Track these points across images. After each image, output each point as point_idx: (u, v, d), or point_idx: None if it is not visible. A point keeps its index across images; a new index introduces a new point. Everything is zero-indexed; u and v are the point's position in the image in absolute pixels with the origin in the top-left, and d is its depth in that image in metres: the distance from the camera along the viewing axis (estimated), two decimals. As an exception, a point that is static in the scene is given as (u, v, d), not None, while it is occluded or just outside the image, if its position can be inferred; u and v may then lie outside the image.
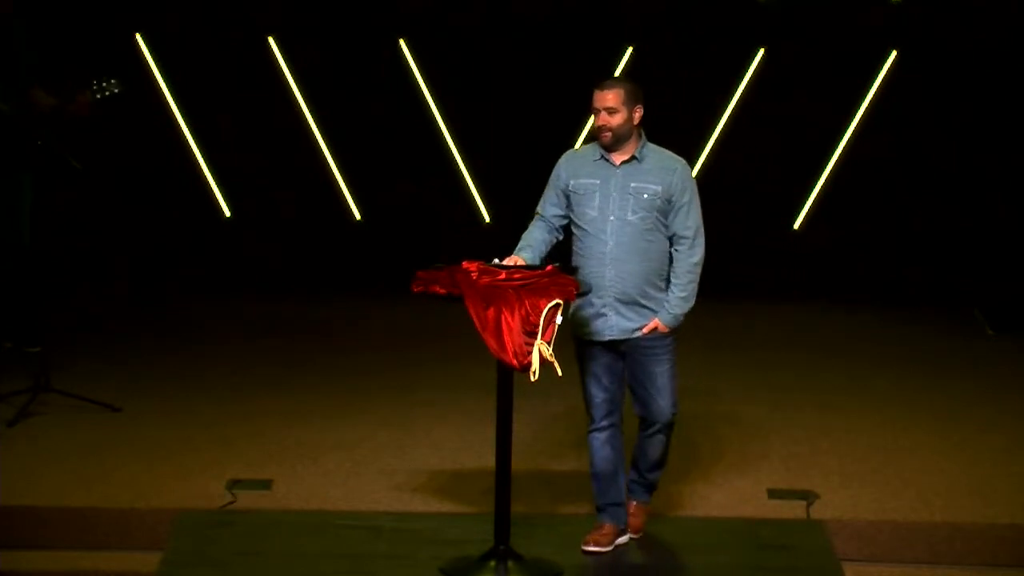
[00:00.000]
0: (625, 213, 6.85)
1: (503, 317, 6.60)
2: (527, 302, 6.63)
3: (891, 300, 11.84)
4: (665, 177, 6.88)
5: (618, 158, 6.91)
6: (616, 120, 6.87)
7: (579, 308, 6.93)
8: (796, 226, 12.12)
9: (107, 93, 9.06)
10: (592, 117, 6.96)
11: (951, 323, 11.36)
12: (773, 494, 7.80)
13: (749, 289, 11.93)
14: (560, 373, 6.66)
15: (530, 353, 6.58)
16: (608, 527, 7.07)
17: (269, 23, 12.05)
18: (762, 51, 11.96)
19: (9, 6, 9.72)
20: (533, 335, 6.60)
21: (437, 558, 6.97)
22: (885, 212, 12.08)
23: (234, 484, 7.80)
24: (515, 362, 6.59)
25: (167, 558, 7.04)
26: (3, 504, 7.44)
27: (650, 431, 7.04)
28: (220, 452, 8.30)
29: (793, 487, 7.88)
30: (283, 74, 12.05)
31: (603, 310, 6.89)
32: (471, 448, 8.35)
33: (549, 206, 7.06)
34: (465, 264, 6.80)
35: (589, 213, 6.90)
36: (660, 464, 7.17)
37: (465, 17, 12.03)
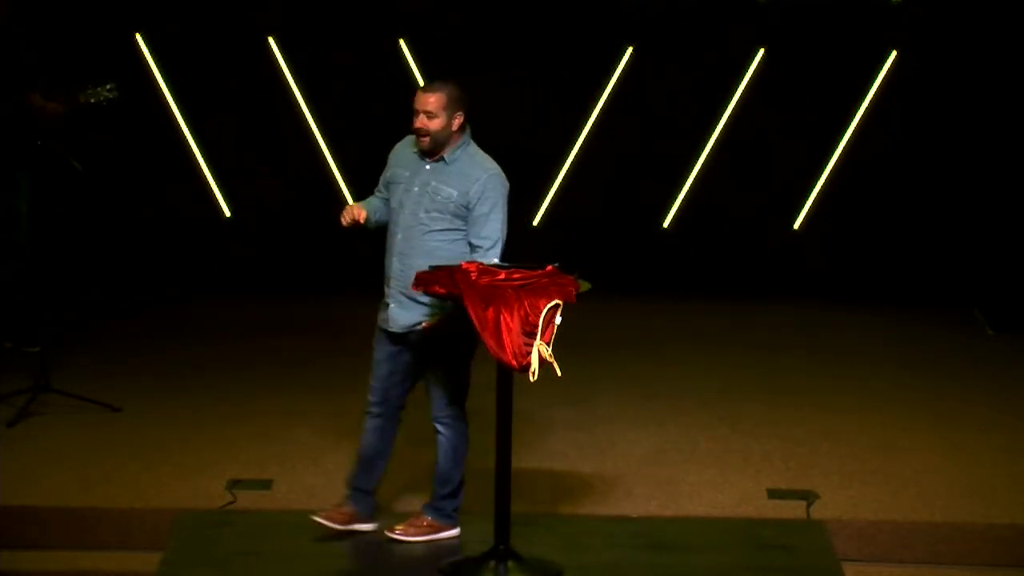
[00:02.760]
0: (418, 209, 6.91)
1: (502, 317, 6.60)
2: (526, 302, 6.64)
3: (891, 300, 11.84)
4: (464, 184, 6.90)
5: (430, 156, 6.98)
6: (435, 125, 6.93)
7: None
8: (796, 226, 12.12)
9: (101, 99, 9.03)
10: (414, 116, 6.97)
11: (951, 323, 11.36)
12: (773, 494, 7.80)
13: (749, 289, 11.93)
14: (560, 373, 6.66)
15: (529, 354, 6.59)
16: (348, 509, 7.10)
17: (269, 23, 12.05)
18: (762, 51, 11.96)
19: (9, 7, 9.72)
20: (532, 335, 6.60)
21: (436, 558, 6.98)
22: (885, 212, 12.07)
23: (234, 484, 7.80)
24: (514, 362, 6.59)
25: (167, 558, 7.04)
26: (3, 504, 7.45)
27: (436, 431, 7.09)
28: (220, 452, 8.30)
29: (793, 487, 7.89)
30: (283, 74, 12.05)
31: (389, 300, 6.98)
32: (471, 448, 8.33)
33: (382, 187, 7.16)
34: (465, 264, 6.81)
35: (393, 205, 7.01)
36: (447, 477, 7.09)
37: (465, 17, 12.02)
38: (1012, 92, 11.70)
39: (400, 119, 12.11)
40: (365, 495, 7.13)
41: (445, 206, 6.88)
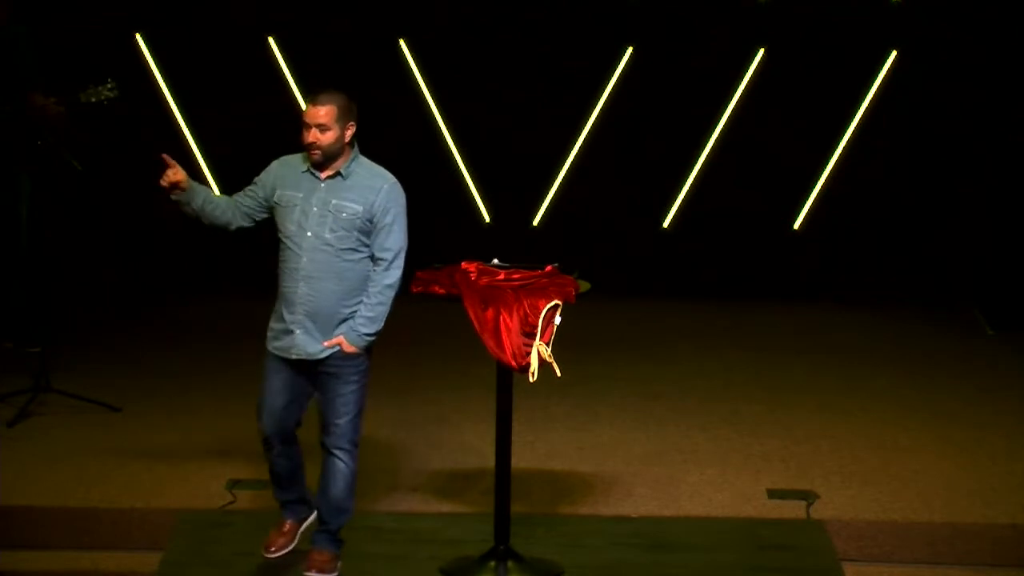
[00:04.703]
0: (323, 230, 6.61)
1: (502, 318, 6.61)
2: (526, 303, 6.64)
3: (891, 300, 11.84)
4: (368, 196, 6.63)
5: (324, 173, 6.68)
6: (327, 138, 6.62)
7: (273, 319, 6.72)
8: (796, 226, 12.12)
9: (102, 98, 9.01)
10: (303, 131, 6.66)
11: (951, 323, 11.36)
12: (773, 494, 7.81)
13: (749, 289, 11.93)
14: (559, 374, 6.66)
15: (529, 354, 6.59)
16: (288, 523, 6.89)
17: (269, 23, 12.05)
18: (762, 51, 11.96)
19: (9, 8, 9.72)
20: (532, 336, 6.60)
21: (437, 558, 6.98)
22: (885, 212, 12.07)
23: (234, 484, 7.80)
24: (514, 363, 6.60)
25: (167, 558, 7.05)
26: (3, 504, 7.46)
27: (329, 458, 6.73)
28: (220, 452, 8.30)
29: (793, 487, 7.89)
30: (283, 74, 12.05)
31: (292, 327, 6.65)
32: (471, 448, 8.35)
33: (246, 197, 6.85)
34: (464, 264, 6.82)
35: (289, 227, 6.67)
36: (343, 507, 6.77)
37: (465, 17, 12.02)
38: (1012, 92, 11.70)
39: (400, 119, 12.17)
40: (297, 503, 6.89)
41: (351, 223, 6.60)
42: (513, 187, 12.14)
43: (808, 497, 7.72)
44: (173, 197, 6.81)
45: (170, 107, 12.05)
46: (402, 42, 12.09)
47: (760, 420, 8.98)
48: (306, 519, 6.96)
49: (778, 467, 8.21)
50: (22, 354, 9.56)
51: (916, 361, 10.36)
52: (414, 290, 6.90)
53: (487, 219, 12.18)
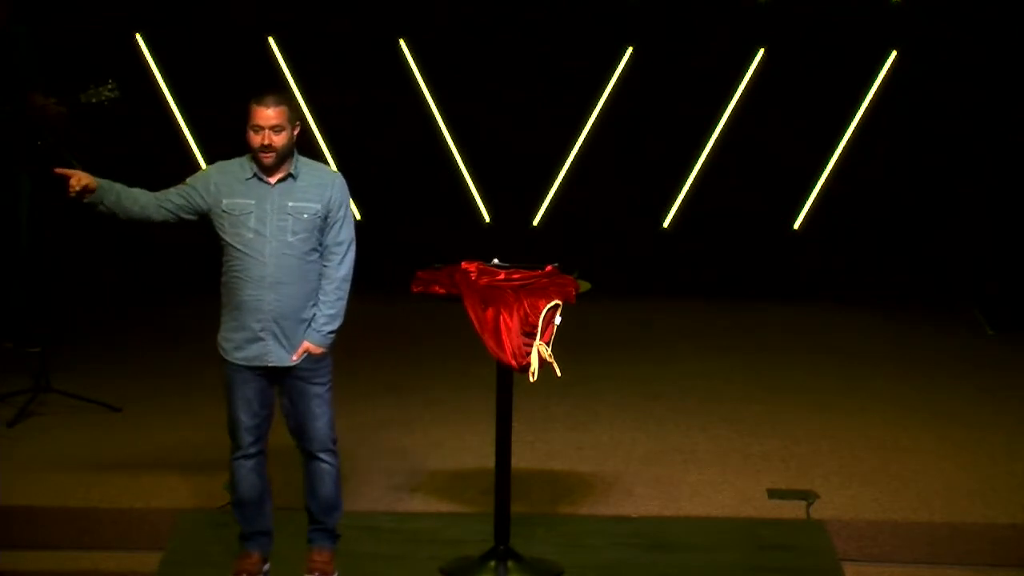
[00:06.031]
0: (285, 235, 6.50)
1: (502, 318, 6.61)
2: (526, 303, 6.64)
3: (891, 300, 11.84)
4: (323, 193, 6.56)
5: (273, 177, 6.56)
6: (282, 139, 6.49)
7: (232, 330, 6.60)
8: (796, 226, 12.12)
9: (103, 98, 9.00)
10: (252, 134, 6.53)
11: (951, 323, 11.36)
12: (773, 494, 7.81)
13: (749, 289, 11.93)
14: (559, 374, 6.66)
15: (529, 354, 6.59)
16: (255, 556, 6.81)
17: (269, 23, 12.05)
18: (762, 51, 11.96)
19: (9, 8, 9.72)
20: (532, 336, 6.60)
21: (436, 558, 6.98)
22: (885, 212, 12.07)
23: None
24: (514, 363, 6.60)
25: (167, 558, 7.06)
26: (3, 504, 7.46)
27: (313, 462, 6.73)
28: (220, 452, 8.27)
29: (793, 487, 7.89)
30: (283, 74, 12.05)
31: (261, 334, 6.54)
32: (471, 448, 8.35)
33: (178, 196, 6.70)
34: (464, 264, 6.81)
35: (245, 235, 6.52)
36: (335, 504, 6.78)
37: (465, 17, 12.02)
38: (1012, 92, 11.70)
39: (400, 119, 12.17)
40: (265, 535, 6.85)
41: (312, 223, 6.52)
42: (513, 187, 12.14)
43: (808, 497, 7.72)
44: (85, 200, 6.68)
45: (170, 107, 12.06)
46: (402, 42, 12.09)
47: (760, 420, 8.97)
48: (268, 557, 6.86)
49: (778, 467, 8.21)
50: (22, 354, 9.55)
51: (916, 361, 10.36)
52: (414, 290, 6.91)
53: (487, 219, 12.19)
